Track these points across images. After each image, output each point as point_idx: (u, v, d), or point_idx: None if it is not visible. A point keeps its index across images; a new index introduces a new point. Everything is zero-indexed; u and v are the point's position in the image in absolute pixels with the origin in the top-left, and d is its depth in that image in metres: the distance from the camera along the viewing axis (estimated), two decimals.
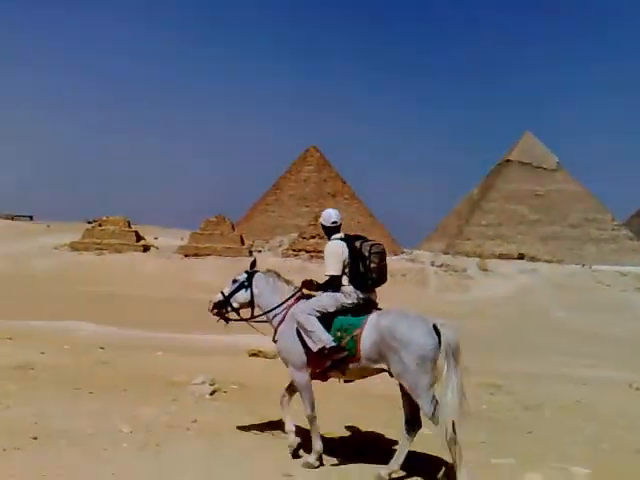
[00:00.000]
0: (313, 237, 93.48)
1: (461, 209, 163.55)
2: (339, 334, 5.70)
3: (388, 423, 7.48)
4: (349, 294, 5.82)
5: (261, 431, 6.85)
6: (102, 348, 13.02)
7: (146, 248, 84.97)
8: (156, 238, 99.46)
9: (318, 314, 5.80)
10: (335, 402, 8.54)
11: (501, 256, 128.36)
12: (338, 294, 5.85)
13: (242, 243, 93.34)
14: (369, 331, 5.58)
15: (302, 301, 6.09)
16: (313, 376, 5.97)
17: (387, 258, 6.09)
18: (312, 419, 5.96)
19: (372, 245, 5.90)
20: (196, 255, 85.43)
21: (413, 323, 5.49)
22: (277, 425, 7.05)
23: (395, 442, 6.28)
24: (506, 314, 57.51)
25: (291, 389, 6.27)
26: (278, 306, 6.19)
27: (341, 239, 5.98)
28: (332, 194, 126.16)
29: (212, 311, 6.46)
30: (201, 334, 24.76)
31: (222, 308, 6.43)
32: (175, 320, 33.96)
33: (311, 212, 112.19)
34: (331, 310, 5.82)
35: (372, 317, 5.67)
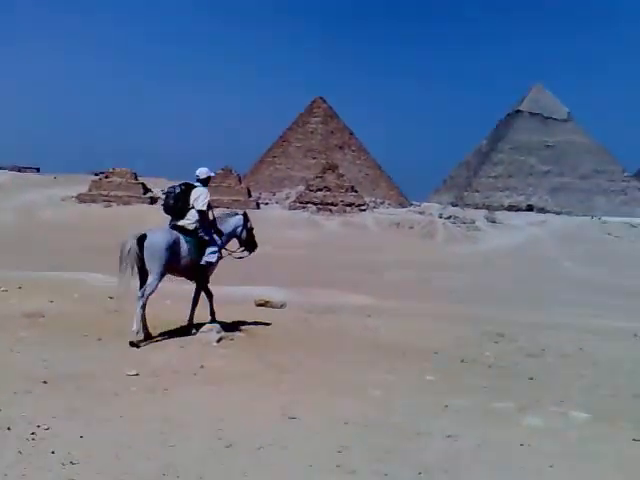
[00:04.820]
0: (320, 189, 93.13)
1: (470, 161, 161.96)
2: None
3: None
4: None
5: (266, 376, 6.98)
6: (111, 297, 13.13)
7: (153, 200, 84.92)
8: (163, 190, 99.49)
9: None
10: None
11: (510, 208, 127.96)
12: None
13: (249, 195, 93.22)
14: None
15: None
16: None
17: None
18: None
19: None
20: None
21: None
22: (284, 370, 7.18)
23: None
24: (514, 265, 57.40)
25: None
26: None
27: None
28: (339, 146, 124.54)
29: None
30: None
31: None
32: None
33: (318, 164, 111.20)
34: None
35: None
